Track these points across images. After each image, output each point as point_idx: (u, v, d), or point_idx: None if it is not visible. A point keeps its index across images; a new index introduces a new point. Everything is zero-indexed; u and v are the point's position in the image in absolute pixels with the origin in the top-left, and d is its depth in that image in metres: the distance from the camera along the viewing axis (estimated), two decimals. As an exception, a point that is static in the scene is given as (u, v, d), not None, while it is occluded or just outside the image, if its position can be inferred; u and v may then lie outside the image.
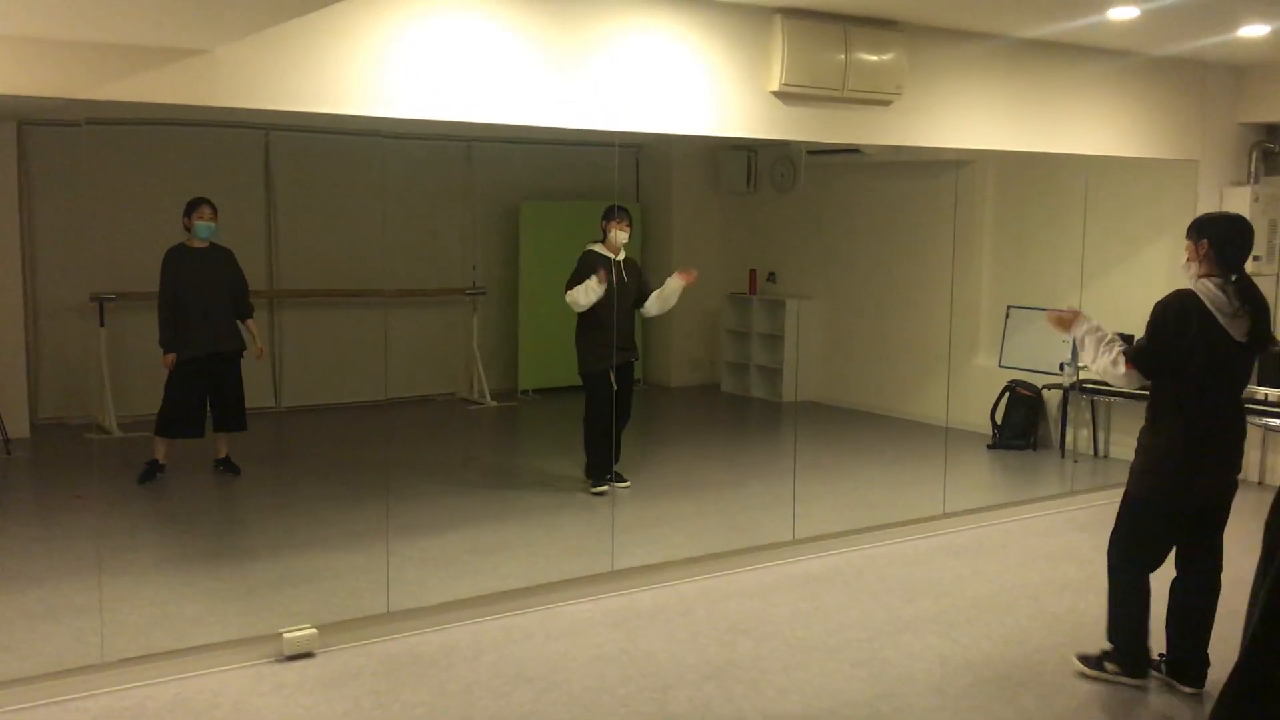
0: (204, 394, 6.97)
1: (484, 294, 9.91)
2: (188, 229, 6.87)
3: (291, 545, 6.01)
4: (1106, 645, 4.46)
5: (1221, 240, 4.12)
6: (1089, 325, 4.38)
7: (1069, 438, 8.26)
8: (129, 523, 6.21)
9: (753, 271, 10.58)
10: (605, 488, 6.89)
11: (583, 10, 5.16)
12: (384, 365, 8.54)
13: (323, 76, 4.55)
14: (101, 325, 7.98)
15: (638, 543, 5.92)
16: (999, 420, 8.55)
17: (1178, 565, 4.40)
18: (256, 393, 8.65)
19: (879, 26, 5.92)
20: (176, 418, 6.89)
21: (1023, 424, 8.47)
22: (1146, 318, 4.25)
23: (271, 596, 5.18)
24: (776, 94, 5.74)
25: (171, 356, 6.80)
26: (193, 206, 6.86)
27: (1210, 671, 4.35)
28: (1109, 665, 4.42)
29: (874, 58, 5.92)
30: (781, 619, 5.05)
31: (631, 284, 7.00)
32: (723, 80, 5.60)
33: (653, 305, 7.10)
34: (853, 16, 5.82)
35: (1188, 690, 4.34)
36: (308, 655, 4.57)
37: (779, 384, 10.20)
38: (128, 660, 4.36)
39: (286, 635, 4.57)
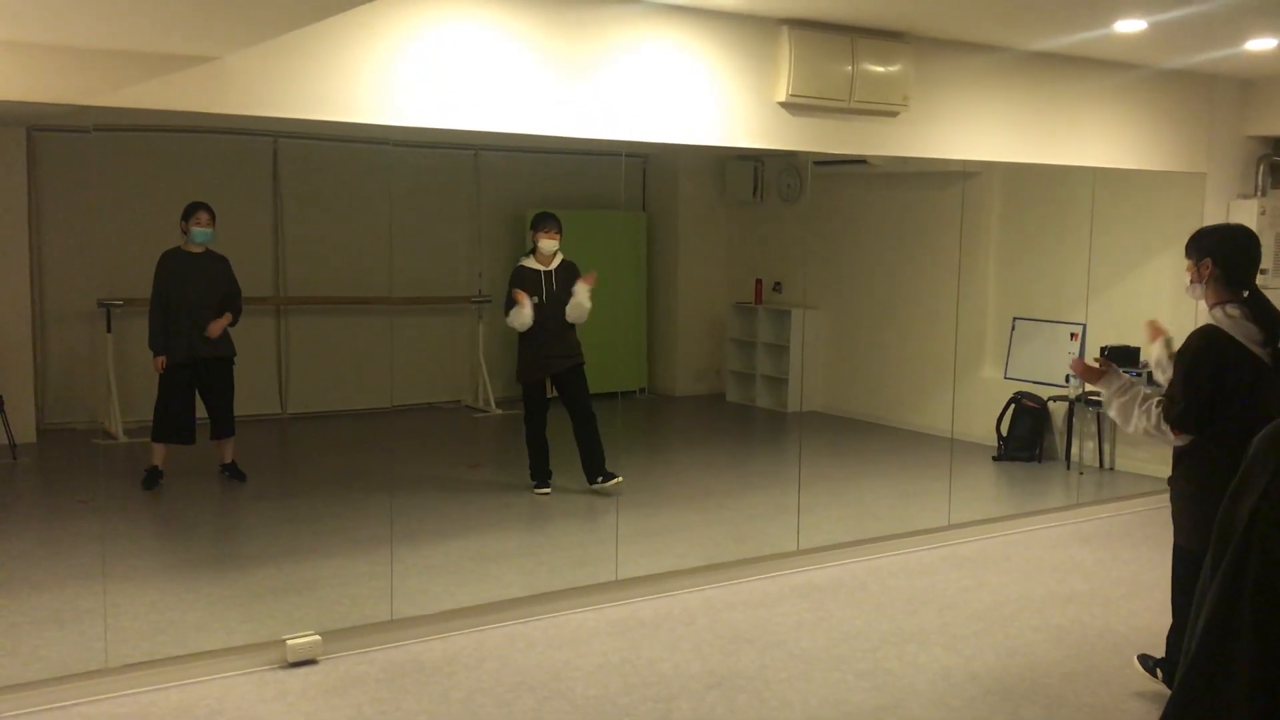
0: (193, 399, 6.97)
1: (489, 302, 9.91)
2: (184, 233, 6.88)
3: (295, 552, 6.02)
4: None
5: (1228, 258, 3.78)
6: (1119, 384, 4.01)
7: (1074, 450, 8.25)
8: (133, 528, 6.22)
9: (758, 281, 10.58)
10: (548, 490, 7.03)
11: (590, 20, 5.17)
12: (389, 372, 8.55)
13: (331, 84, 4.57)
14: (108, 331, 8.00)
15: (641, 552, 5.91)
16: (1004, 432, 8.54)
17: None
18: (261, 399, 8.68)
19: (886, 38, 5.94)
20: (167, 422, 6.90)
21: (1028, 436, 8.46)
22: (1145, 324, 4.09)
23: (275, 603, 5.18)
24: (783, 105, 5.75)
25: (162, 359, 6.80)
26: (190, 211, 6.86)
27: None
28: (1160, 672, 4.28)
29: (881, 69, 5.93)
30: (785, 629, 5.04)
31: (564, 291, 7.00)
32: (730, 91, 5.61)
33: (571, 314, 7.04)
34: (860, 28, 5.83)
35: None
36: (311, 662, 4.57)
37: (784, 394, 10.20)
38: (131, 666, 4.36)
39: (290, 642, 4.57)
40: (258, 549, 6.16)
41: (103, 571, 5.06)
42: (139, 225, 8.43)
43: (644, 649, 4.79)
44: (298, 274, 9.23)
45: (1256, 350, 3.70)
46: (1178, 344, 3.98)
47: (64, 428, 8.24)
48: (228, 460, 7.18)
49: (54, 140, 8.17)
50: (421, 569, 5.62)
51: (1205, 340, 3.74)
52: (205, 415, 7.06)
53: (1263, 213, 7.58)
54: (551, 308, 6.93)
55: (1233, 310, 3.76)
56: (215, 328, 6.89)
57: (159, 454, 6.96)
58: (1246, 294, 3.82)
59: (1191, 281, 3.89)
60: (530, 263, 6.98)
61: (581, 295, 7.01)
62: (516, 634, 4.94)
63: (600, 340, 9.72)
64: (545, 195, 10.21)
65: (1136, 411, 3.87)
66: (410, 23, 4.73)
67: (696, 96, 5.51)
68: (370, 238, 8.90)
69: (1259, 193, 7.76)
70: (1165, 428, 3.78)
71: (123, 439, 7.88)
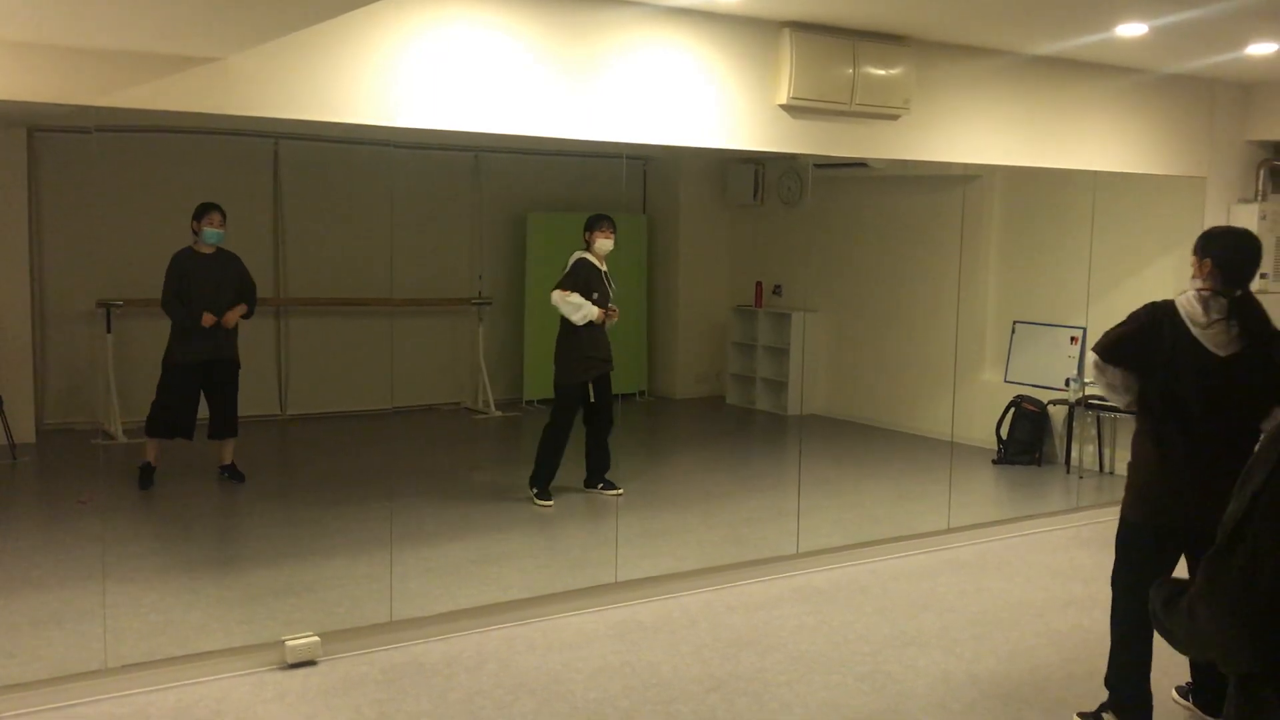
0: (197, 398, 6.98)
1: (490, 304, 9.92)
2: (196, 233, 6.88)
3: (295, 553, 6.01)
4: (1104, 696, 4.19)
5: (1225, 258, 3.91)
6: None
7: (1074, 453, 8.25)
8: (133, 529, 6.21)
9: (759, 284, 10.59)
10: (551, 503, 6.87)
11: (592, 22, 5.18)
12: (389, 374, 8.55)
13: (333, 86, 4.57)
14: (108, 331, 8.00)
15: (641, 555, 5.91)
16: (1004, 435, 8.54)
17: None
18: (262, 400, 8.67)
19: (887, 41, 5.94)
20: (167, 418, 6.91)
21: (1028, 439, 8.46)
22: None
23: (274, 604, 5.18)
24: (784, 107, 5.75)
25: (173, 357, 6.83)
26: (202, 211, 6.87)
27: None
28: (1106, 716, 4.16)
29: (882, 72, 5.93)
30: (785, 632, 5.04)
31: (611, 295, 7.00)
32: (731, 93, 5.62)
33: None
34: (861, 31, 5.83)
35: None
36: (310, 663, 4.57)
37: (784, 397, 10.20)
38: (131, 666, 4.36)
39: (289, 643, 4.57)
40: (257, 550, 6.16)
41: (102, 572, 5.05)
42: (140, 226, 8.43)
43: (644, 651, 4.78)
44: (298, 275, 9.23)
45: (1195, 333, 3.84)
46: None
47: (64, 428, 8.24)
48: (227, 461, 7.18)
49: (55, 141, 8.17)
50: (421, 570, 5.61)
51: (1152, 304, 4.02)
52: (204, 415, 7.07)
53: (1263, 217, 7.59)
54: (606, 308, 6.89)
55: (1194, 295, 3.91)
56: (231, 316, 6.92)
57: (153, 450, 6.97)
58: (1239, 294, 3.90)
59: (1194, 276, 4.02)
60: (591, 258, 6.88)
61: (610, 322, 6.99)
62: (516, 636, 4.93)
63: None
64: (546, 197, 10.22)
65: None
66: (412, 24, 4.73)
67: (697, 99, 5.52)
68: (371, 239, 8.91)
69: (1260, 197, 7.76)
70: (1094, 356, 4.06)
71: (122, 439, 7.88)
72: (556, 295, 6.81)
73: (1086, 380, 7.93)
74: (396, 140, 5.33)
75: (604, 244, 6.90)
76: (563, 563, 5.95)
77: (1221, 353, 3.83)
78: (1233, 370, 3.84)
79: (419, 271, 9.69)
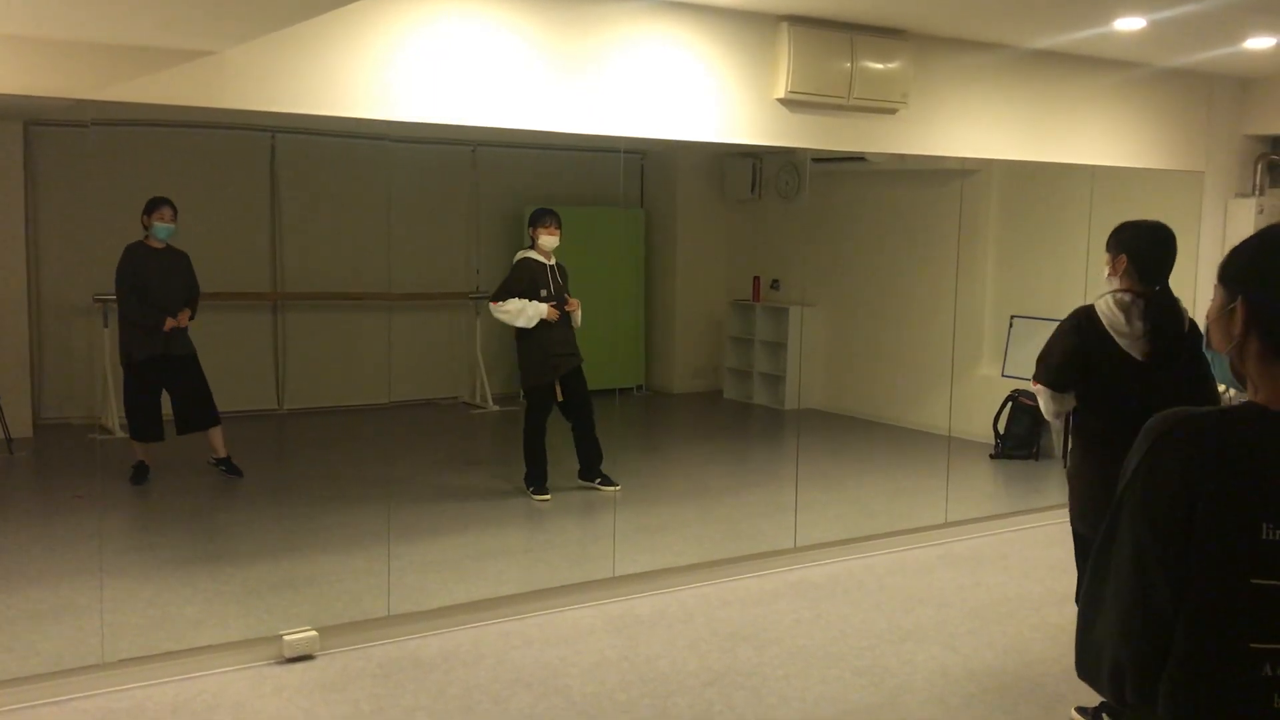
0: (160, 396, 6.93)
1: (487, 298, 9.91)
2: (146, 228, 6.83)
3: (292, 548, 6.01)
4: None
5: (1138, 254, 3.84)
6: None
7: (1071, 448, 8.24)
8: (130, 523, 6.21)
9: (756, 278, 10.58)
10: (548, 496, 6.87)
11: (589, 16, 5.17)
12: (387, 369, 8.54)
13: (329, 79, 4.56)
14: (105, 326, 7.98)
15: (639, 549, 5.91)
16: (1001, 430, 8.54)
17: None
18: (259, 395, 8.66)
19: (885, 35, 5.93)
20: (138, 420, 6.88)
21: (1025, 434, 8.46)
22: None
23: (272, 599, 5.18)
24: (782, 101, 5.75)
25: (171, 320, 6.79)
26: (153, 206, 6.81)
27: None
28: (1106, 717, 4.18)
29: (880, 66, 5.92)
30: (782, 626, 5.04)
31: (564, 290, 6.96)
32: (729, 87, 5.61)
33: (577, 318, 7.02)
34: (859, 25, 5.82)
35: None
36: (307, 658, 4.57)
37: (781, 391, 10.19)
38: (128, 661, 4.36)
39: (286, 638, 4.57)
40: (255, 545, 6.15)
41: (99, 566, 5.05)
42: (136, 220, 8.40)
43: (641, 646, 4.78)
44: (295, 269, 9.21)
45: (1121, 342, 3.77)
46: None
47: (60, 422, 8.23)
48: (221, 454, 7.15)
49: (51, 135, 8.15)
50: (419, 565, 5.61)
51: (1074, 317, 3.91)
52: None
53: (1260, 211, 7.58)
54: (558, 304, 6.85)
55: (1112, 301, 3.83)
56: (184, 317, 6.84)
57: (141, 450, 6.95)
58: (1158, 289, 3.84)
59: (1109, 275, 3.93)
60: (535, 255, 6.87)
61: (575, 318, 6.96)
62: (513, 630, 4.94)
63: (598, 337, 9.70)
64: (543, 191, 10.19)
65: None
66: (409, 18, 4.72)
67: (695, 92, 5.51)
68: (368, 233, 8.89)
69: (1257, 191, 7.76)
70: (1035, 384, 3.98)
71: (119, 434, 7.86)
72: (491, 308, 6.80)
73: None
74: (393, 134, 5.32)
75: (548, 240, 6.86)
76: (560, 557, 5.95)
77: (1139, 356, 3.77)
78: (1156, 374, 3.75)
79: (416, 266, 9.68)
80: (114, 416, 7.90)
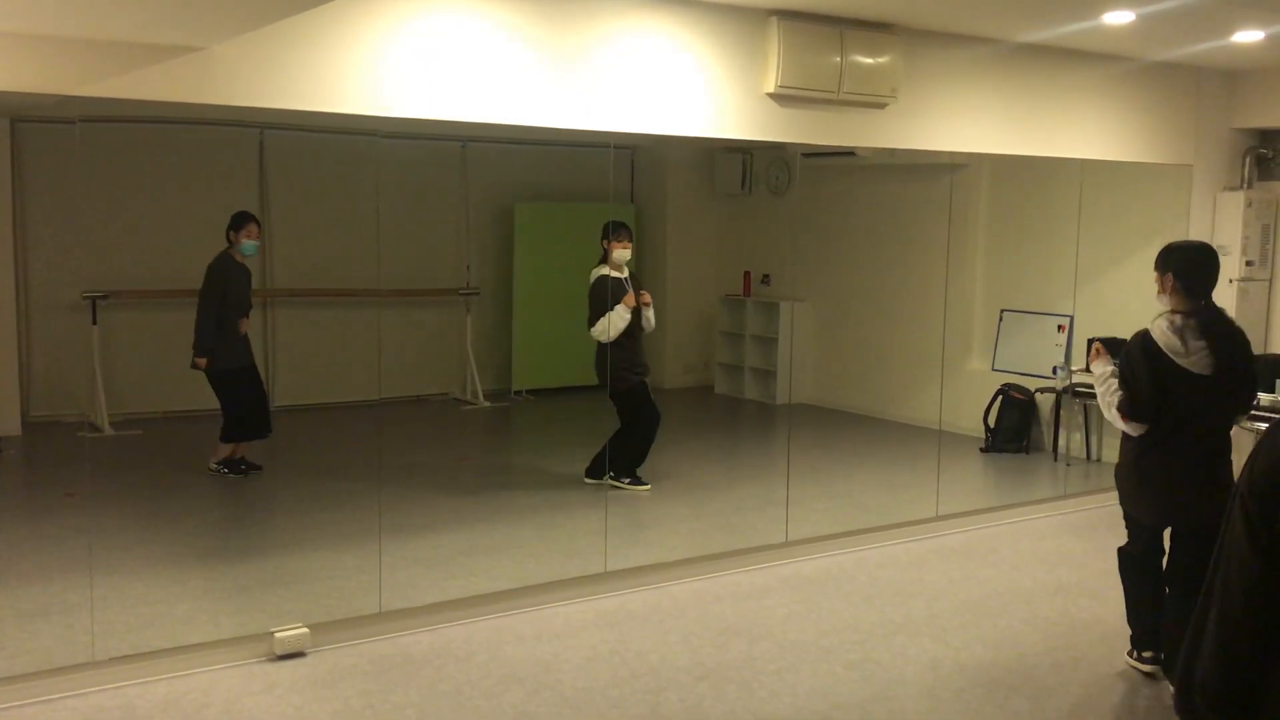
0: (259, 395, 7.18)
1: (478, 295, 9.90)
2: (232, 243, 6.94)
3: (283, 545, 6.00)
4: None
5: (1183, 272, 4.19)
6: (1104, 371, 4.45)
7: (1062, 441, 8.28)
8: (120, 521, 6.19)
9: (747, 273, 10.58)
10: (648, 485, 7.06)
11: (579, 11, 5.16)
12: (377, 365, 8.53)
13: (318, 75, 4.55)
14: (94, 323, 7.96)
15: (630, 544, 5.92)
16: (992, 423, 8.56)
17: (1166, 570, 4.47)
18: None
19: (875, 29, 5.93)
20: (247, 421, 7.07)
21: (1016, 427, 8.49)
22: (1140, 321, 4.30)
23: (263, 596, 5.17)
24: (772, 96, 5.74)
25: (205, 360, 6.88)
26: (241, 222, 6.96)
27: None
28: (1132, 653, 4.58)
29: (869, 60, 5.92)
30: (774, 621, 5.05)
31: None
32: (718, 82, 5.60)
33: (649, 326, 7.18)
34: (849, 19, 5.82)
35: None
36: (299, 655, 4.56)
37: (773, 386, 10.20)
38: (118, 659, 4.35)
39: (278, 635, 4.56)
40: (245, 542, 6.14)
41: (89, 564, 5.04)
42: (124, 217, 8.39)
43: (633, 641, 4.79)
44: (285, 266, 9.19)
45: (1179, 362, 4.12)
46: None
47: (50, 420, 8.20)
48: (241, 454, 7.27)
49: (39, 131, 8.12)
50: (410, 562, 5.60)
51: (1137, 343, 4.23)
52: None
53: (1249, 205, 7.60)
54: (636, 317, 6.95)
55: (1165, 324, 4.18)
56: (245, 325, 7.07)
57: (238, 450, 7.14)
58: (1204, 303, 4.20)
59: (1159, 293, 4.29)
60: (611, 272, 6.93)
61: (650, 311, 7.09)
62: (505, 626, 4.93)
63: (588, 333, 9.71)
64: (533, 187, 10.20)
65: (1107, 396, 4.36)
66: (397, 13, 4.70)
67: (685, 88, 5.50)
68: (357, 230, 8.87)
69: (1245, 185, 7.78)
70: (1120, 421, 4.29)
71: (109, 431, 7.85)
72: (594, 333, 6.92)
73: (1073, 368, 7.96)
74: (382, 130, 5.31)
75: (621, 254, 6.95)
76: (552, 553, 5.95)
77: (1207, 373, 4.13)
78: (1216, 385, 4.16)
79: (406, 262, 9.66)
80: (103, 414, 7.88)
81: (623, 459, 7.04)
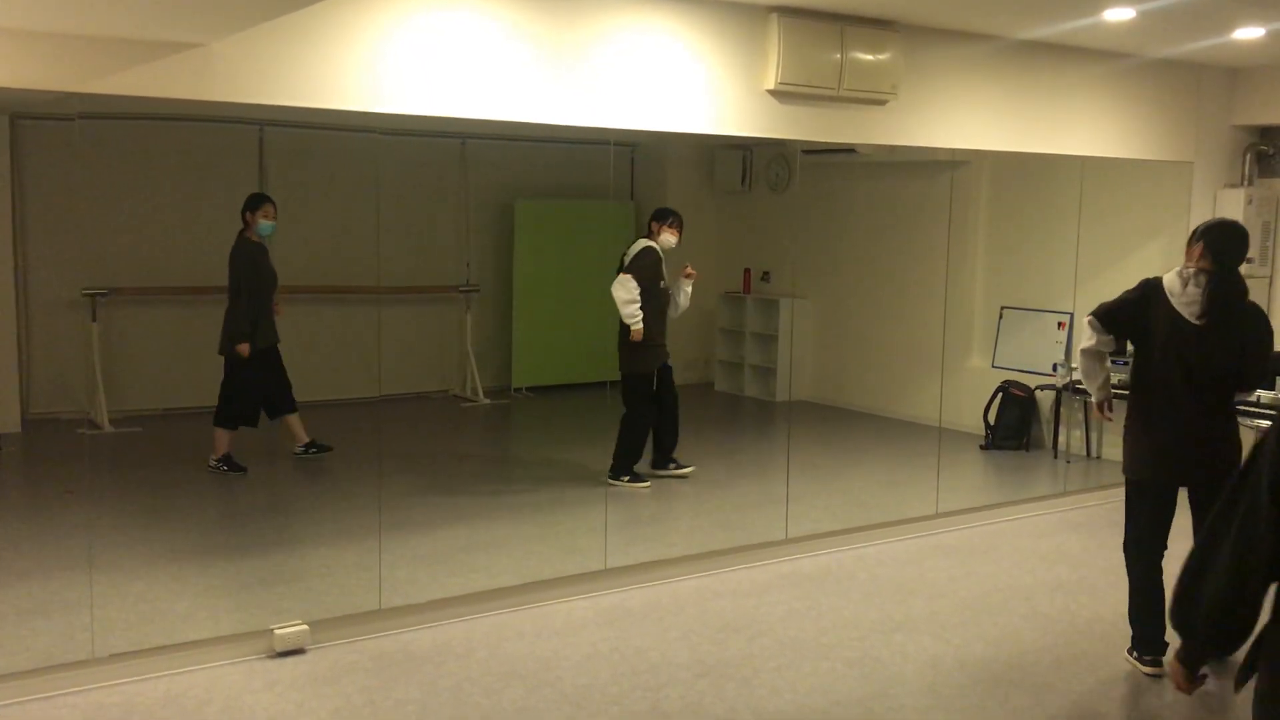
0: (267, 381, 7.16)
1: (478, 291, 9.90)
2: (249, 225, 6.95)
3: (283, 541, 6.00)
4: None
5: (1213, 241, 4.35)
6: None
7: (1062, 438, 8.27)
8: (120, 518, 6.19)
9: (747, 271, 10.57)
10: (647, 483, 7.09)
11: (579, 7, 5.15)
12: (377, 362, 8.53)
13: (318, 72, 4.54)
14: (93, 320, 7.96)
15: (630, 541, 5.92)
16: (992, 421, 8.56)
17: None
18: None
19: (875, 26, 5.92)
20: (248, 408, 7.08)
21: (1016, 424, 8.48)
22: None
23: (263, 593, 5.17)
24: (772, 93, 5.74)
25: (246, 346, 6.91)
26: (257, 203, 6.97)
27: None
28: (1132, 653, 4.61)
29: (870, 57, 5.92)
30: (774, 618, 5.05)
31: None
32: (718, 79, 5.60)
33: (677, 310, 7.28)
34: (849, 16, 5.81)
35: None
36: (299, 652, 4.56)
37: (773, 383, 10.20)
38: (118, 656, 4.35)
39: (278, 631, 4.56)
40: (245, 539, 6.14)
41: (89, 561, 5.04)
42: (124, 214, 8.39)
43: (633, 638, 4.79)
44: (284, 263, 9.08)
45: (1174, 303, 4.33)
46: None
47: (49, 417, 8.20)
48: (306, 440, 7.35)
49: (38, 128, 8.11)
50: (410, 558, 5.60)
51: (1143, 281, 4.54)
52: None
53: (1250, 202, 7.60)
54: (670, 299, 7.08)
55: (1176, 271, 4.39)
56: (280, 308, 7.15)
57: (227, 440, 7.09)
58: (1221, 270, 4.32)
59: (1187, 263, 4.42)
60: (658, 246, 7.01)
61: (686, 291, 7.22)
62: (505, 623, 4.93)
63: (588, 329, 9.70)
64: (533, 184, 10.19)
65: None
66: (397, 10, 4.70)
67: (685, 84, 5.49)
68: (357, 226, 8.88)
69: (1245, 182, 7.78)
70: (1090, 318, 4.62)
71: (108, 428, 7.85)
72: (674, 306, 7.12)
73: (1073, 365, 7.96)
74: (382, 127, 5.31)
75: (670, 238, 7.06)
76: (552, 550, 5.95)
77: (1197, 321, 4.28)
78: (1206, 338, 4.29)
79: (406, 259, 9.66)
80: (103, 411, 7.88)
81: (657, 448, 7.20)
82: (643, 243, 7.01)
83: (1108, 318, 4.57)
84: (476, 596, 5.11)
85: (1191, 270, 4.34)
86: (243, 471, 7.12)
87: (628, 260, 6.96)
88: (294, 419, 7.37)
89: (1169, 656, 2.62)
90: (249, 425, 7.15)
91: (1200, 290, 4.29)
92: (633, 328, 6.83)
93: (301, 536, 6.06)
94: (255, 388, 7.10)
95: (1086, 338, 4.64)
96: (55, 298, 8.28)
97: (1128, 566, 4.61)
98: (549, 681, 4.33)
